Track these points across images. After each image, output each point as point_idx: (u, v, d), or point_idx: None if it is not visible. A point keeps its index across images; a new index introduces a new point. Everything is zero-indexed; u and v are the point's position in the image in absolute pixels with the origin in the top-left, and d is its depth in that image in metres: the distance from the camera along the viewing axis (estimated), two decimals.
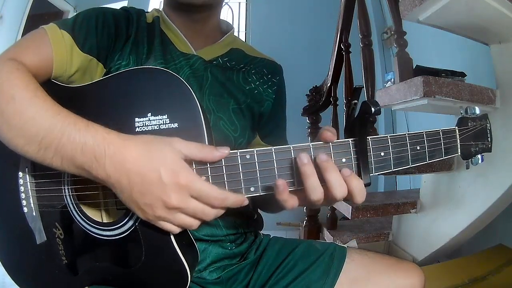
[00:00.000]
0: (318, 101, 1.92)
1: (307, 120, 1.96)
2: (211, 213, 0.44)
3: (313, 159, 0.44)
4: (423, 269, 0.64)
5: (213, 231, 0.64)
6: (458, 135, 0.52)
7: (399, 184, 2.72)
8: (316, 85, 1.98)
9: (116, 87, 0.50)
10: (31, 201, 0.55)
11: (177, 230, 0.45)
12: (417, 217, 1.53)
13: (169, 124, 0.46)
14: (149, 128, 0.46)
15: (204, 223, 0.45)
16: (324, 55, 2.12)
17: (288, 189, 0.44)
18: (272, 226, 2.64)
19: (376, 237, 1.68)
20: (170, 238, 0.47)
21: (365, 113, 0.45)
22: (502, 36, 1.15)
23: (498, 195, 1.16)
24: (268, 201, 0.64)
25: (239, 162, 0.45)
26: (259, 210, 0.76)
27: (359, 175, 0.45)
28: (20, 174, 0.55)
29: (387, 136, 0.47)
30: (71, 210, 0.52)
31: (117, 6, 0.67)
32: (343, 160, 0.46)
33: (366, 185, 0.45)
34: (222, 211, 0.45)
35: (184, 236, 0.49)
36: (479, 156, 0.53)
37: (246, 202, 0.45)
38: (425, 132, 0.49)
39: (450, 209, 1.36)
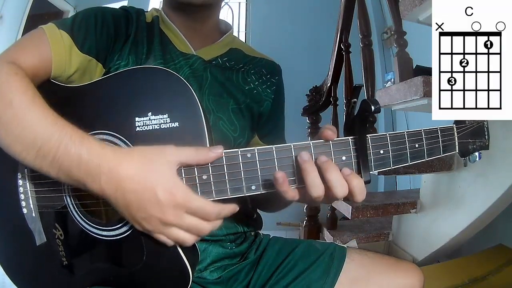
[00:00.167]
0: (318, 101, 1.92)
1: (307, 120, 1.96)
2: (206, 228, 0.45)
3: (314, 160, 0.44)
4: (423, 269, 0.65)
5: (213, 231, 0.64)
6: (456, 133, 0.52)
7: (399, 184, 2.72)
8: (316, 85, 1.98)
9: (116, 86, 0.50)
10: (31, 202, 0.54)
11: (172, 243, 0.45)
12: (417, 217, 1.53)
13: (170, 124, 0.46)
14: (150, 127, 0.46)
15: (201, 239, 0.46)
16: (324, 55, 2.12)
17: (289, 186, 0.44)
18: (272, 226, 2.64)
19: (376, 237, 1.68)
20: None
21: (365, 111, 0.45)
22: None
23: (498, 195, 1.16)
24: (268, 200, 0.65)
25: (240, 161, 0.45)
26: (258, 210, 0.76)
27: (359, 172, 0.45)
28: (19, 175, 0.54)
29: (386, 134, 0.48)
30: (71, 211, 0.52)
31: (117, 5, 0.67)
32: (343, 158, 0.46)
33: (366, 182, 0.45)
34: (217, 225, 0.46)
35: None
36: (476, 153, 0.54)
37: (237, 208, 0.46)
38: (423, 130, 0.50)
39: (450, 209, 1.36)
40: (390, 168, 0.48)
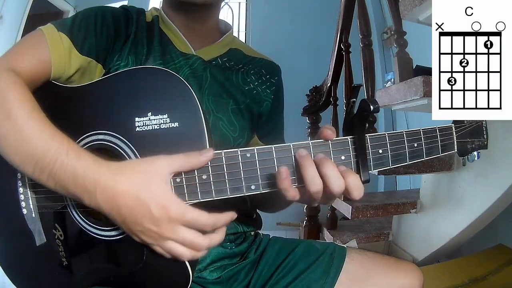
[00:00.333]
0: (318, 101, 1.92)
1: (307, 120, 1.97)
2: (201, 243, 0.45)
3: (312, 157, 0.45)
4: (423, 269, 0.65)
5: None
6: (454, 132, 0.52)
7: (399, 184, 2.72)
8: (316, 85, 1.98)
9: (116, 86, 0.50)
10: (30, 202, 0.54)
11: (169, 256, 0.46)
12: (417, 217, 1.53)
13: (170, 124, 0.46)
14: (150, 127, 0.46)
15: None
16: (324, 55, 2.12)
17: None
18: (272, 226, 2.65)
19: (376, 237, 1.68)
20: None
21: (364, 111, 0.45)
22: None
23: (498, 195, 1.16)
24: (268, 199, 0.65)
25: (240, 161, 0.45)
26: (257, 211, 0.76)
27: (358, 172, 0.46)
28: (19, 175, 0.54)
29: (384, 134, 0.48)
30: (70, 211, 0.52)
31: (117, 5, 0.67)
32: (342, 157, 0.46)
33: (365, 182, 0.45)
34: (216, 240, 0.46)
35: None
36: (475, 153, 0.54)
37: (235, 216, 0.46)
38: (422, 129, 0.50)
39: (450, 209, 1.36)
40: (389, 167, 0.48)
